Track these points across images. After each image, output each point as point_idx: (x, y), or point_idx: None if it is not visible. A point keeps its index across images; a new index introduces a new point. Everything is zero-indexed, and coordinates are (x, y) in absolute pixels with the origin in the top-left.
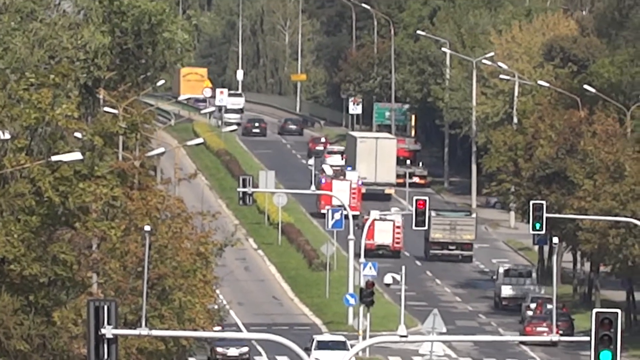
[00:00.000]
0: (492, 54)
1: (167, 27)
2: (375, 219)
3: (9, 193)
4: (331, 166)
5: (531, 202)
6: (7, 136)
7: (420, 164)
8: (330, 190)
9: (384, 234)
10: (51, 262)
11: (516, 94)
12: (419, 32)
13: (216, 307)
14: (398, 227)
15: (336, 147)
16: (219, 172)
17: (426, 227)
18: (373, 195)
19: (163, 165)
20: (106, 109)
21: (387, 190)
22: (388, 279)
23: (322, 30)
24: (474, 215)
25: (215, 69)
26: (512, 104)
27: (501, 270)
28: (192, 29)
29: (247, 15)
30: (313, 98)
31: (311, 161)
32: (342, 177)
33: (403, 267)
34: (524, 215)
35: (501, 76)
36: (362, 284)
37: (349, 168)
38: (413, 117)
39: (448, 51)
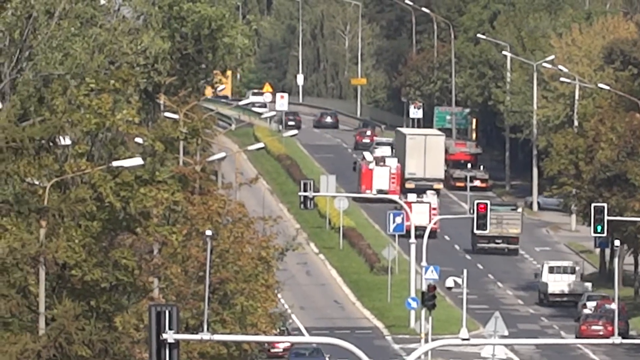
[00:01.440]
0: (552, 57)
1: (227, 32)
2: (412, 202)
3: (70, 199)
4: (371, 154)
5: (592, 205)
6: (68, 142)
7: (482, 167)
8: (371, 177)
9: (420, 216)
10: (112, 267)
11: (577, 97)
12: (479, 35)
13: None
14: (434, 208)
15: (384, 139)
16: (279, 177)
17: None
18: (422, 191)
19: (224, 170)
20: (167, 114)
21: (436, 186)
22: (450, 282)
23: (382, 34)
24: (519, 209)
25: (276, 73)
26: (573, 107)
27: (545, 267)
28: (252, 34)
29: (307, 19)
30: (373, 102)
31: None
32: (382, 164)
33: (465, 271)
34: (586, 218)
35: (562, 79)
36: (424, 288)
37: (378, 148)
38: (474, 120)
39: (508, 54)
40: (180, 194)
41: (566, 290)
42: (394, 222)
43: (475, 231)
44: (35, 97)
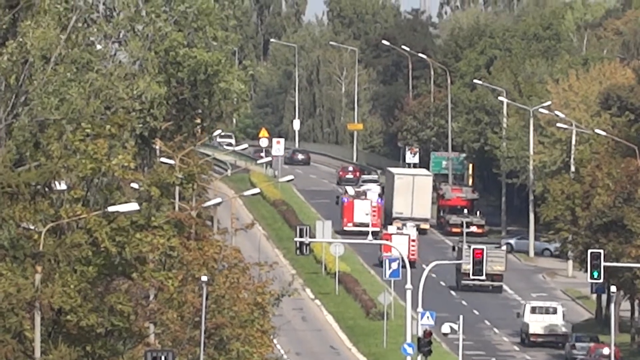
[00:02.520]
0: (549, 102)
1: (224, 78)
2: (392, 234)
3: (65, 244)
4: (353, 188)
5: (589, 251)
6: (64, 187)
7: (478, 212)
8: (352, 209)
9: (400, 247)
10: (108, 312)
11: (573, 142)
12: (475, 81)
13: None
14: (413, 240)
15: (370, 176)
16: (275, 222)
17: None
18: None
19: (220, 216)
20: (162, 159)
21: (423, 225)
22: (446, 328)
23: (379, 79)
24: (503, 247)
25: (272, 118)
26: (570, 152)
27: (527, 307)
28: (249, 79)
29: (303, 65)
30: (370, 147)
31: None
32: (363, 197)
33: (460, 317)
34: (582, 263)
35: (558, 125)
36: (420, 334)
37: (370, 190)
38: (470, 166)
39: (505, 100)
40: (176, 240)
41: (547, 331)
42: (389, 267)
43: (462, 269)
44: (31, 142)
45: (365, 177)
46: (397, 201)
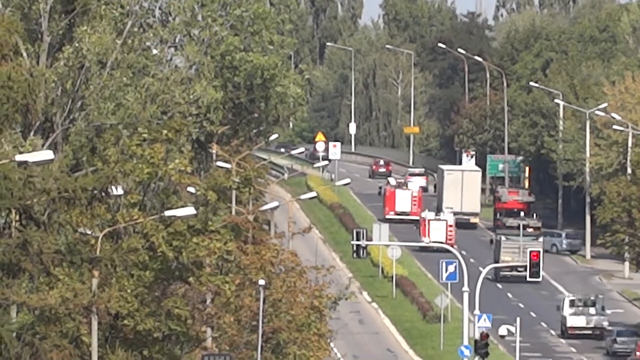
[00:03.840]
0: (605, 105)
1: (280, 82)
2: (430, 219)
3: (122, 248)
4: (396, 179)
5: None
6: (121, 192)
7: (534, 215)
8: (394, 198)
9: (438, 232)
10: (165, 316)
11: (630, 144)
12: (531, 83)
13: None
14: (450, 225)
15: (417, 170)
16: (332, 226)
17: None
18: (459, 224)
19: (277, 219)
20: (219, 163)
21: (472, 220)
22: (503, 330)
23: (435, 82)
24: (541, 239)
25: (328, 122)
26: (626, 154)
27: (566, 300)
28: (305, 83)
29: (359, 68)
30: (426, 151)
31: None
32: (404, 187)
33: (518, 319)
34: (639, 265)
35: (614, 127)
36: (477, 336)
37: (420, 177)
38: (527, 168)
39: (561, 102)
40: (232, 244)
41: (585, 323)
42: (446, 270)
43: (500, 260)
44: (87, 147)
45: (411, 169)
46: (446, 196)
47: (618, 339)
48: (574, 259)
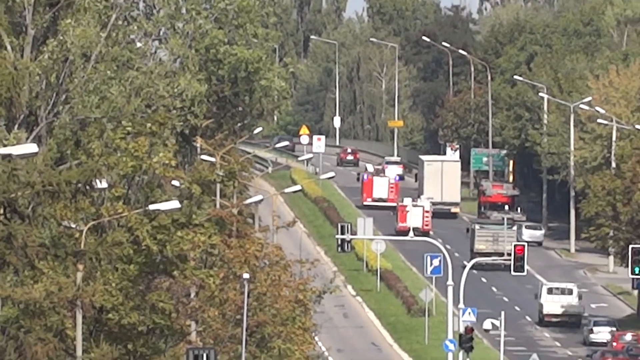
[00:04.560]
0: (589, 98)
1: (264, 75)
2: (407, 205)
3: (106, 242)
4: (373, 166)
5: (630, 246)
6: (105, 185)
7: (519, 209)
8: (371, 185)
9: (415, 218)
10: (149, 310)
11: (614, 138)
12: (515, 77)
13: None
14: (427, 211)
15: (393, 159)
16: (317, 219)
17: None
18: (440, 214)
19: (261, 213)
20: (203, 157)
21: (453, 209)
22: (487, 324)
23: (419, 76)
24: (514, 227)
25: (313, 116)
26: (610, 148)
27: (544, 288)
28: (289, 77)
29: (344, 62)
30: (410, 144)
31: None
32: (381, 174)
33: (502, 313)
34: (623, 259)
35: (599, 121)
36: (462, 330)
37: (397, 165)
38: (511, 162)
39: (545, 96)
40: (217, 237)
41: (561, 310)
42: (431, 264)
43: (475, 249)
44: (71, 141)
45: (388, 158)
46: (427, 186)
47: (594, 328)
48: (558, 252)
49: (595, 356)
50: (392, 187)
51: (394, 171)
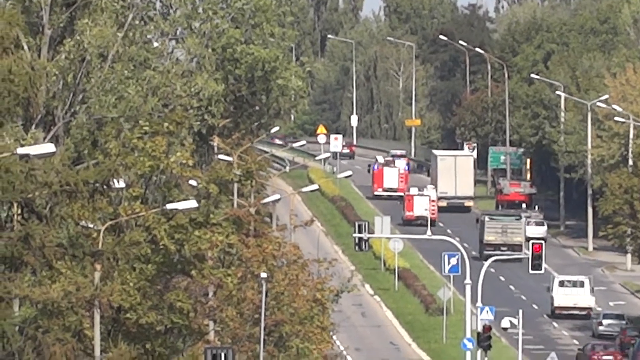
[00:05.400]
0: (606, 96)
1: (281, 74)
2: (414, 195)
3: (124, 242)
4: (383, 157)
5: None
6: (122, 185)
7: (536, 207)
8: (382, 176)
9: (421, 207)
10: (167, 310)
11: (631, 136)
12: (533, 75)
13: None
14: (433, 201)
15: (399, 152)
16: (334, 219)
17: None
18: (454, 208)
19: (278, 212)
20: (220, 156)
21: (467, 203)
22: (505, 323)
23: (436, 75)
24: (523, 219)
25: (330, 115)
26: (628, 146)
27: (556, 280)
28: (306, 76)
29: (361, 61)
30: (428, 143)
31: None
32: (392, 165)
33: (520, 312)
34: None
35: (616, 118)
36: (480, 329)
37: (402, 158)
38: (528, 160)
39: (562, 94)
40: (234, 237)
41: (571, 303)
42: (449, 263)
43: (484, 240)
44: (89, 141)
45: (393, 152)
46: (441, 181)
47: (604, 321)
48: (576, 250)
49: (587, 348)
50: (402, 177)
51: (399, 163)
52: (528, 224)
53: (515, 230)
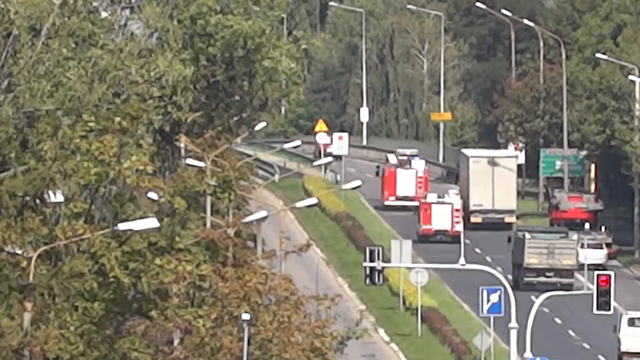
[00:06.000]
0: None
1: (268, 54)
2: (432, 203)
3: (63, 273)
4: (396, 156)
5: None
6: (60, 198)
7: (603, 228)
8: (394, 180)
9: (441, 219)
10: None
11: None
12: (598, 55)
13: None
14: (457, 210)
15: (408, 151)
16: (338, 242)
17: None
18: (491, 225)
19: (265, 234)
20: (189, 161)
21: (508, 219)
22: None
23: (472, 54)
24: (574, 237)
25: (332, 107)
26: None
27: (624, 318)
28: (301, 56)
29: (373, 36)
30: (461, 143)
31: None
32: (407, 166)
33: None
34: None
35: None
36: None
37: (416, 158)
38: (592, 166)
39: (637, 80)
40: (207, 266)
41: None
42: (488, 300)
43: (525, 263)
44: (16, 140)
45: (401, 150)
46: (474, 190)
47: None
48: (633, 270)
49: None
50: (420, 182)
51: (416, 166)
52: (582, 246)
53: (565, 250)
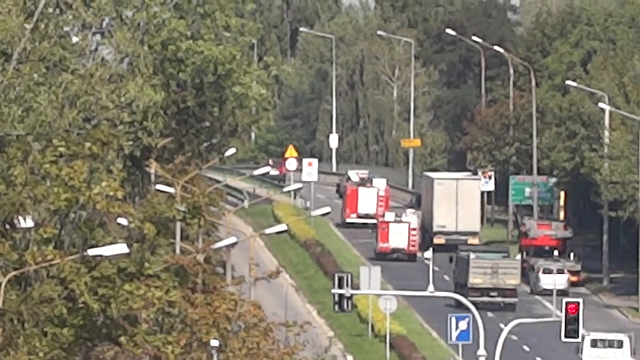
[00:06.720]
0: None
1: (239, 79)
2: (390, 222)
3: (32, 298)
4: (357, 174)
5: None
6: (30, 224)
7: (572, 255)
8: (356, 198)
9: (399, 237)
10: None
11: None
12: (568, 82)
13: None
14: (414, 229)
15: (362, 172)
16: (307, 269)
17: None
18: (454, 247)
19: (235, 261)
20: (159, 187)
21: (471, 240)
22: None
23: (442, 81)
24: (517, 257)
25: (302, 133)
26: None
27: (587, 340)
28: (271, 82)
29: (343, 62)
30: (430, 170)
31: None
32: (368, 185)
33: None
34: None
35: None
36: None
37: (373, 176)
38: (562, 194)
39: (607, 107)
40: (177, 292)
41: None
42: (457, 327)
43: (469, 283)
44: None
45: (351, 173)
46: (438, 212)
47: None
48: (623, 312)
49: None
50: (381, 201)
51: (377, 184)
52: (544, 272)
53: (508, 270)
